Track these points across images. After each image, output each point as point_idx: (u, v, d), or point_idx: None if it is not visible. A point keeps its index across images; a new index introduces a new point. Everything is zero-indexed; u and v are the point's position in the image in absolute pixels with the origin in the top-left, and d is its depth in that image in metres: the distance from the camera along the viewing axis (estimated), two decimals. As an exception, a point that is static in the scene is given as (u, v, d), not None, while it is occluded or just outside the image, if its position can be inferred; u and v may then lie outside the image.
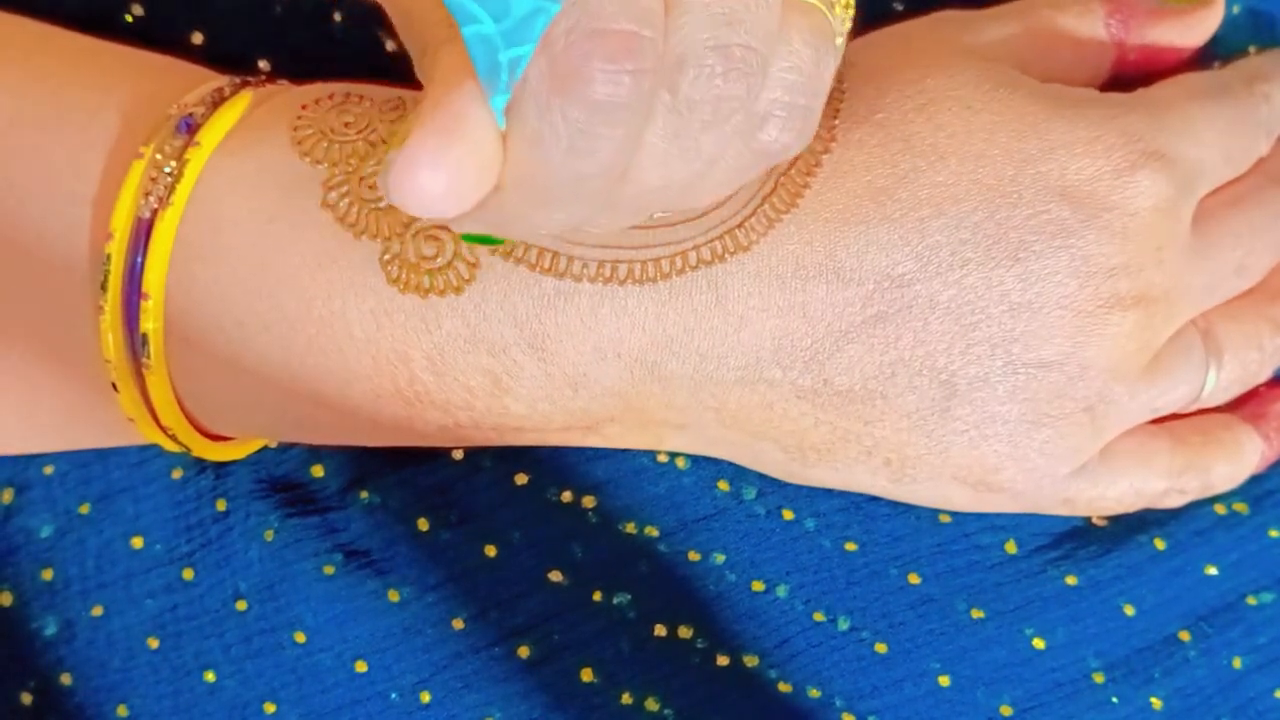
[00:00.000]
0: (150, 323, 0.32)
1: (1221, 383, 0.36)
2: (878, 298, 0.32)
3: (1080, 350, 0.33)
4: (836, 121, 0.33)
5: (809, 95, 0.28)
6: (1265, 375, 0.37)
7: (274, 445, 0.37)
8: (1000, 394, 0.33)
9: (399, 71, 0.36)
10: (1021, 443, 0.33)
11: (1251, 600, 0.36)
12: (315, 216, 0.32)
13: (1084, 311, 0.33)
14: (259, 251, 0.31)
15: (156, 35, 0.36)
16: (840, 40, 0.28)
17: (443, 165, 0.24)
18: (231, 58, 0.37)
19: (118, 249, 0.31)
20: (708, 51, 0.26)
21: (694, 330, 0.32)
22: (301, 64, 0.37)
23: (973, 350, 0.33)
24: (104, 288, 0.32)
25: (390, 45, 0.37)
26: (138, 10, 0.37)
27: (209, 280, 0.32)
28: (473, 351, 0.32)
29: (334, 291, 0.31)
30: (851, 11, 0.29)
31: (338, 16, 0.37)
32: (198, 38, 0.37)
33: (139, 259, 0.31)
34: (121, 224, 0.31)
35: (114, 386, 0.33)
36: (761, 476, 0.36)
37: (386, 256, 0.31)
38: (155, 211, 0.31)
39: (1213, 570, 0.36)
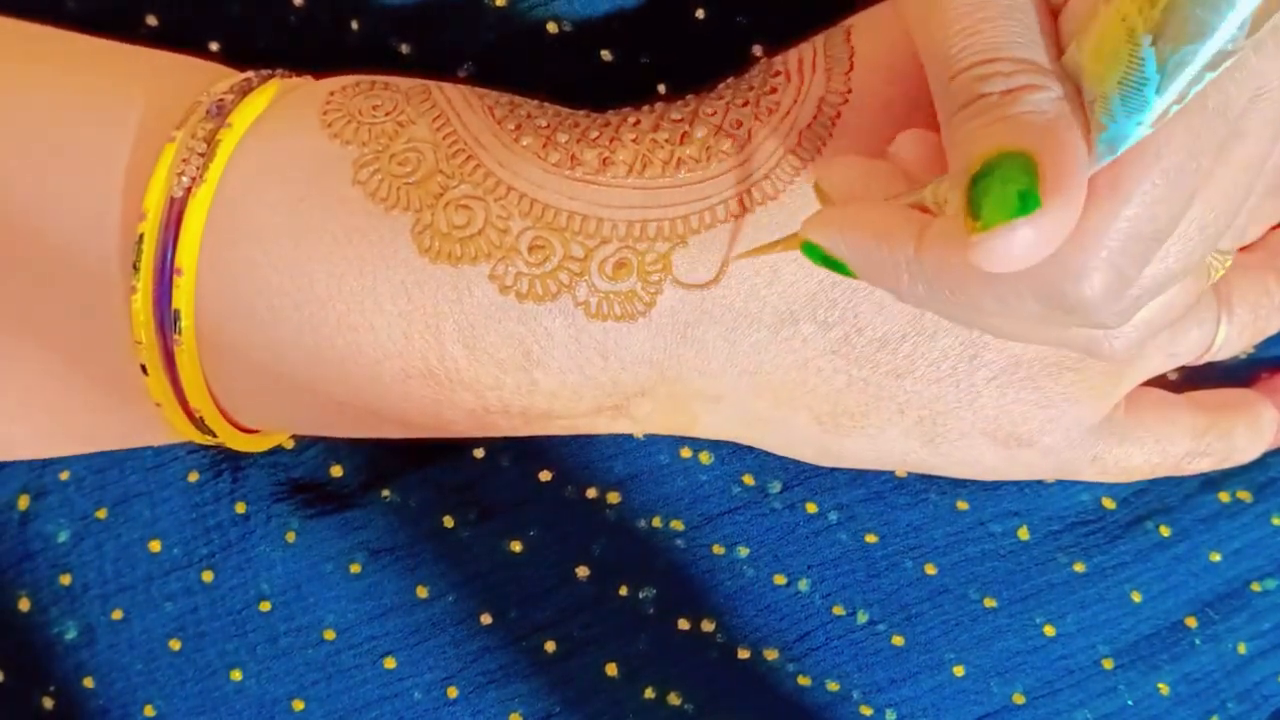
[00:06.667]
0: (183, 299, 0.32)
1: (1234, 329, 0.37)
2: None
3: None
4: (851, 74, 0.33)
5: None
6: (1275, 324, 0.38)
7: (291, 446, 0.37)
8: None
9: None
10: (1046, 387, 0.34)
11: (1255, 587, 0.37)
12: (346, 194, 0.32)
13: None
14: (290, 231, 0.32)
15: (173, 44, 0.37)
16: None
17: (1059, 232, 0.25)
18: (247, 67, 0.37)
19: (151, 228, 0.32)
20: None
21: (725, 284, 0.32)
22: (317, 73, 0.37)
23: None
24: (136, 267, 0.32)
25: (405, 50, 0.37)
26: (152, 21, 0.37)
27: (241, 262, 0.32)
28: (504, 319, 0.32)
29: (365, 266, 0.32)
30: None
31: (355, 25, 0.37)
32: (214, 46, 0.37)
33: (172, 236, 0.32)
34: (155, 203, 0.32)
35: (143, 369, 0.33)
36: (786, 470, 0.36)
37: (418, 228, 0.32)
38: (188, 190, 0.32)
39: (1216, 557, 0.37)
